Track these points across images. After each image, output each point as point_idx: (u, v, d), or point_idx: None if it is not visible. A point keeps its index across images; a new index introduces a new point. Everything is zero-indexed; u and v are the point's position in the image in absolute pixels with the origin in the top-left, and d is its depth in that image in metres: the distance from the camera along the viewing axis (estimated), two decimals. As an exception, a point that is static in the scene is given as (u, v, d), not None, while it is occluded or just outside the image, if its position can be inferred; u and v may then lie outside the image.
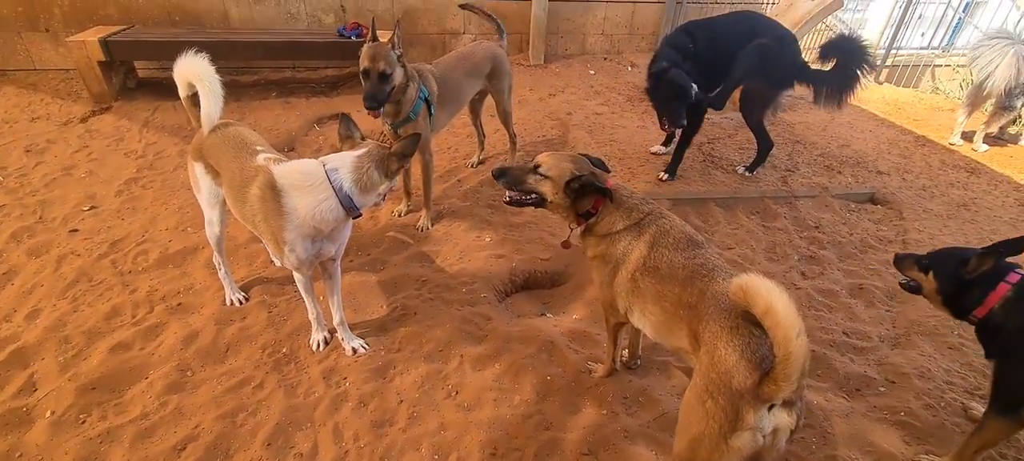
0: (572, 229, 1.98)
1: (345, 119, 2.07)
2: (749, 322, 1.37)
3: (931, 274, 1.92)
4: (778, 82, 3.64)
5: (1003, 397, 1.80)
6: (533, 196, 1.93)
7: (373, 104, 2.64)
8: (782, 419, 1.35)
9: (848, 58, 3.46)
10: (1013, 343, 1.74)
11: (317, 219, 1.92)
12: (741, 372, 1.33)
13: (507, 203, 2.00)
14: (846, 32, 3.61)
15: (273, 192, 1.92)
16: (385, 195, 2.05)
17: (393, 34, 2.69)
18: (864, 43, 3.47)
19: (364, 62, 2.61)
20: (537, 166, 1.91)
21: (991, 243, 1.86)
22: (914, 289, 2.02)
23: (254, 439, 1.97)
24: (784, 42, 3.59)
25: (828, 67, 3.57)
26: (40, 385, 2.14)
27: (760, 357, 1.33)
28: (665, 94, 3.34)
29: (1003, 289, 1.75)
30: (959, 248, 1.95)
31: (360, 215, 2.03)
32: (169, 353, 2.30)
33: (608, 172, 2.02)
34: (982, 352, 1.89)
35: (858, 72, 3.47)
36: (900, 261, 2.08)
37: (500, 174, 1.95)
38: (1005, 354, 1.77)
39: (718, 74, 3.60)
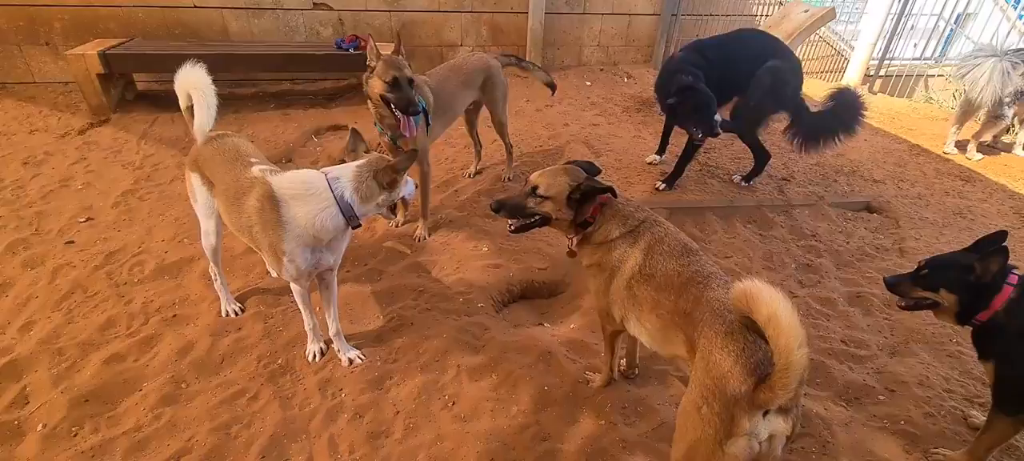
0: (570, 239, 1.97)
1: (354, 134, 2.11)
2: (744, 328, 1.37)
3: (943, 290, 1.86)
4: (779, 105, 3.70)
5: (1009, 398, 1.80)
6: (537, 218, 1.93)
7: (415, 107, 2.68)
8: (778, 425, 1.34)
9: (840, 116, 3.60)
10: (1019, 344, 1.74)
11: (317, 228, 1.93)
12: (736, 378, 1.32)
13: (512, 232, 1.99)
14: (851, 91, 3.74)
15: (272, 203, 1.93)
16: (384, 206, 2.05)
17: (397, 45, 2.72)
18: (861, 114, 3.60)
19: (392, 72, 2.63)
20: (535, 188, 1.91)
21: (976, 242, 1.86)
22: (916, 308, 1.98)
23: (248, 451, 1.95)
24: (794, 68, 3.68)
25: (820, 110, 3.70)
26: (32, 398, 2.12)
27: (755, 362, 1.32)
28: (697, 104, 3.40)
29: (1007, 291, 1.75)
30: (947, 255, 1.94)
31: (359, 225, 2.04)
32: (163, 365, 2.28)
33: (599, 172, 2.02)
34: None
35: (840, 132, 3.62)
36: (896, 286, 2.00)
37: (499, 207, 1.95)
38: (1009, 356, 1.77)
39: (724, 93, 3.64)
